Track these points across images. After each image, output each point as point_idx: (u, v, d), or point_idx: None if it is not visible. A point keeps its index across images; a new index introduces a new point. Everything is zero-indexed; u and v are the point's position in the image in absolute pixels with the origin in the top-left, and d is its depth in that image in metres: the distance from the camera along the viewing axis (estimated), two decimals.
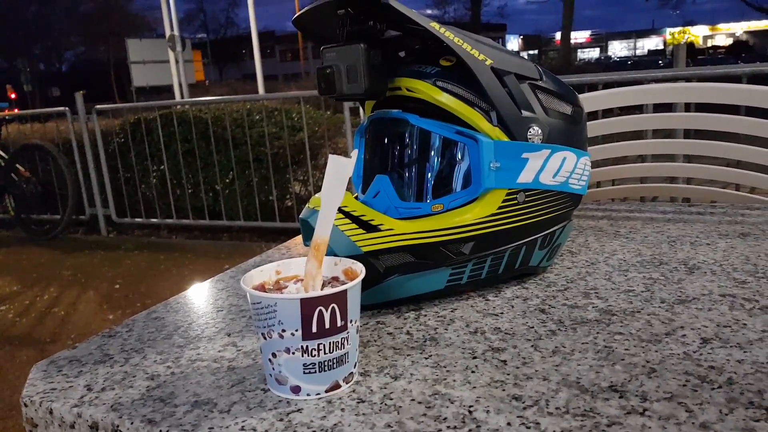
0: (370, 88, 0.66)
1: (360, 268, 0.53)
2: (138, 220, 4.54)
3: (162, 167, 4.34)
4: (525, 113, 0.66)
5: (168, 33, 8.33)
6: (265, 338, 0.49)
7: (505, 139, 0.65)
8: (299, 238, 1.00)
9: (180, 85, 8.67)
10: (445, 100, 0.65)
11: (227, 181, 4.18)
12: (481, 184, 0.65)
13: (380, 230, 0.64)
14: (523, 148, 0.66)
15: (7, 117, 4.97)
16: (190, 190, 4.32)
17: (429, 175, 0.69)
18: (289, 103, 4.39)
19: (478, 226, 0.65)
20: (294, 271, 0.56)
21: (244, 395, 0.50)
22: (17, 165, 4.57)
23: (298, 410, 0.47)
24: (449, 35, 0.63)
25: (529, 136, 0.66)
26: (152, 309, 0.73)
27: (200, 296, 0.77)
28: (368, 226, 0.64)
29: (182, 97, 8.21)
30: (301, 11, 0.71)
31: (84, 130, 4.58)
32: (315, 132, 4.05)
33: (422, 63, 0.68)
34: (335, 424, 0.45)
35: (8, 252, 4.47)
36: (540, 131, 0.66)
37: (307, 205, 0.68)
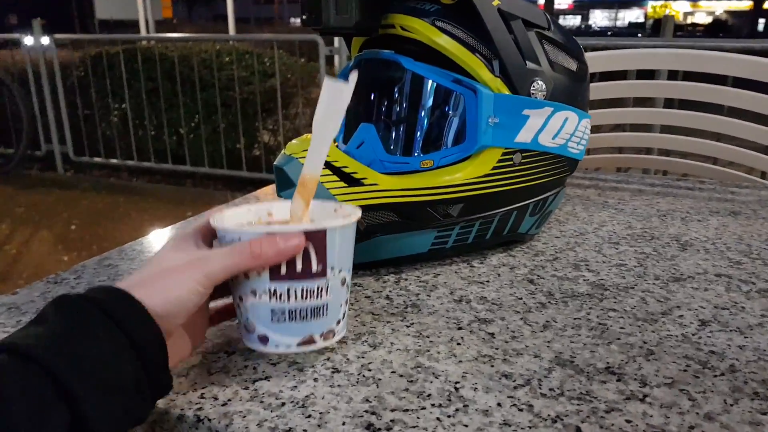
0: (361, 22, 0.59)
1: (351, 211, 0.46)
2: (97, 159, 4.33)
3: (124, 106, 4.12)
4: (530, 65, 0.60)
5: None
6: (231, 279, 0.42)
7: (506, 91, 0.59)
8: (270, 188, 0.93)
9: (146, 20, 8.24)
10: (444, 42, 0.59)
11: (192, 125, 4.01)
12: (476, 140, 0.59)
13: (363, 185, 0.58)
14: (525, 104, 0.60)
15: None
16: (152, 132, 4.12)
17: (420, 127, 0.63)
18: (262, 47, 4.18)
19: (469, 187, 0.60)
20: (276, 213, 0.48)
21: (205, 358, 0.45)
22: None
23: (266, 378, 0.42)
24: None
25: (532, 91, 0.60)
26: (105, 255, 0.66)
27: (159, 244, 0.70)
28: (350, 179, 0.58)
29: (148, 32, 7.80)
30: None
31: (41, 61, 4.29)
32: (288, 79, 3.89)
33: None
34: (307, 396, 0.40)
35: None
36: (544, 86, 0.61)
37: (282, 152, 0.61)
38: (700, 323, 0.50)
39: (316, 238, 0.41)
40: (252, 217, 0.47)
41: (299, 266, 0.41)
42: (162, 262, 0.41)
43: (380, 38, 0.63)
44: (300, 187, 0.44)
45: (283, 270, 0.41)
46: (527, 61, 0.60)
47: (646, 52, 1.19)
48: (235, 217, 0.46)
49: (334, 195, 0.57)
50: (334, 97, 0.43)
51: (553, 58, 0.62)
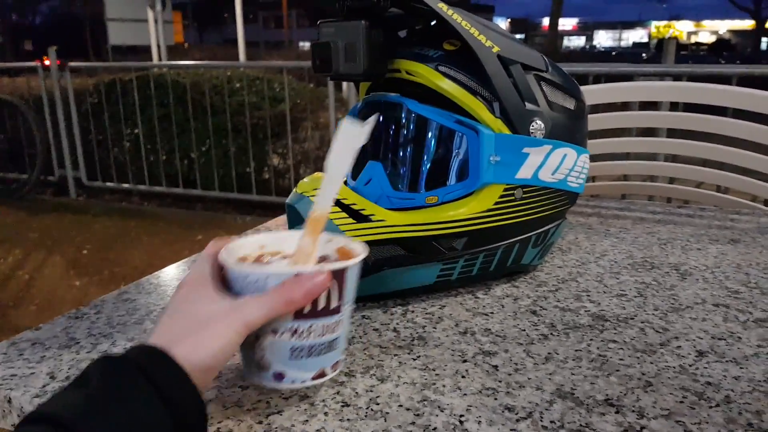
0: (369, 69, 0.62)
1: (359, 248, 0.47)
2: (109, 184, 4.40)
3: (136, 131, 4.20)
4: (529, 106, 0.63)
5: None
6: None
7: (507, 131, 0.62)
8: (281, 219, 0.96)
9: (158, 46, 8.40)
10: (447, 86, 0.62)
11: (203, 149, 4.07)
12: (478, 177, 0.62)
13: (371, 221, 0.60)
14: (525, 143, 0.63)
15: None
16: (164, 157, 4.19)
17: (424, 165, 0.66)
18: (271, 72, 4.26)
19: (472, 222, 0.62)
20: (281, 248, 0.49)
21: (221, 392, 0.47)
22: None
23: (279, 412, 0.45)
24: (457, 18, 0.60)
25: (531, 130, 0.63)
26: (123, 289, 0.69)
27: (174, 278, 0.73)
28: (358, 216, 0.60)
29: (160, 58, 7.96)
30: None
31: (56, 88, 4.39)
32: (297, 104, 3.96)
33: (424, 45, 0.65)
34: (318, 430, 0.42)
35: None
36: (542, 125, 0.64)
37: (294, 190, 0.64)
38: (698, 354, 0.52)
39: (338, 276, 0.42)
40: (246, 251, 0.48)
41: (322, 304, 0.42)
42: (196, 314, 0.41)
43: (387, 81, 0.67)
44: (309, 223, 0.46)
45: (307, 308, 0.42)
46: (526, 102, 0.62)
47: (648, 85, 1.22)
48: (232, 252, 0.46)
49: (344, 231, 0.59)
50: (350, 138, 0.45)
51: (551, 99, 0.65)
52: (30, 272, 3.08)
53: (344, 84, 3.62)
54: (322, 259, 0.49)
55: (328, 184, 0.46)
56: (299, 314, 0.42)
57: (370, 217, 0.60)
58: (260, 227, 0.93)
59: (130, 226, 3.83)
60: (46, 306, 2.66)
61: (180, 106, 4.03)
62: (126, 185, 4.34)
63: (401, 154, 0.67)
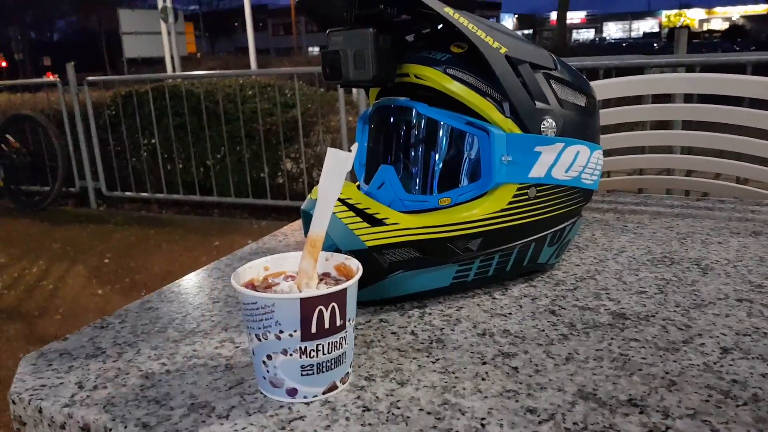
0: (378, 76, 0.63)
1: (355, 265, 0.50)
2: (128, 193, 4.47)
3: (153, 141, 4.26)
4: (539, 104, 0.63)
5: (160, 4, 8.13)
6: (259, 340, 0.46)
7: (518, 131, 0.62)
8: (297, 224, 0.97)
9: (172, 57, 8.51)
10: (456, 89, 0.62)
11: (218, 156, 4.12)
12: (491, 178, 0.62)
13: (385, 224, 0.61)
14: (536, 141, 0.63)
15: None
16: (180, 165, 4.25)
17: (437, 167, 0.66)
18: (282, 79, 4.30)
19: (486, 222, 0.62)
20: (283, 267, 0.53)
21: (244, 399, 0.48)
22: (7, 135, 4.48)
23: (301, 417, 0.45)
24: (463, 21, 0.60)
25: (542, 129, 0.63)
26: (146, 298, 0.70)
27: (195, 286, 0.74)
28: (373, 220, 0.61)
29: (174, 69, 8.06)
30: None
31: (75, 102, 4.48)
32: (308, 109, 3.98)
33: (432, 49, 0.65)
34: None
35: None
36: (554, 124, 0.63)
37: (309, 196, 0.65)
38: (722, 351, 0.52)
39: (340, 297, 0.45)
40: (253, 274, 0.52)
41: (327, 324, 0.45)
42: None
43: (396, 86, 0.67)
44: (309, 246, 0.49)
45: (314, 329, 0.45)
46: (536, 101, 0.62)
47: (660, 78, 1.21)
48: (240, 277, 0.50)
49: (359, 235, 0.60)
50: (337, 165, 0.49)
51: (561, 96, 0.65)
52: (54, 282, 3.15)
53: (353, 91, 3.63)
54: (324, 275, 0.52)
55: (321, 208, 0.49)
56: (307, 335, 0.45)
57: (385, 220, 0.61)
58: (277, 233, 0.94)
59: (150, 234, 3.89)
60: (70, 315, 2.71)
61: (194, 115, 4.08)
62: (144, 194, 4.40)
63: (413, 157, 0.67)
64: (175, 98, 4.11)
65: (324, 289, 0.46)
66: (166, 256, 3.42)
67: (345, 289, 0.46)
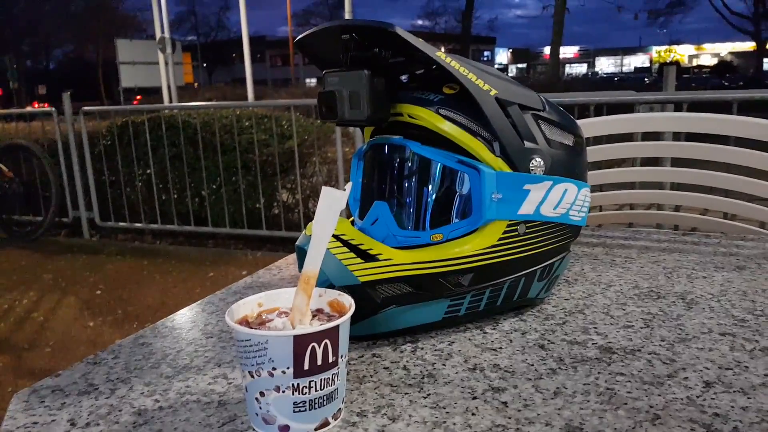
0: (372, 116, 0.65)
1: (348, 302, 0.51)
2: (122, 224, 4.47)
3: (148, 171, 4.28)
4: (528, 144, 0.65)
5: (158, 35, 8.26)
6: (252, 376, 0.47)
7: (507, 169, 0.64)
8: (291, 258, 0.98)
9: (169, 87, 8.61)
10: (448, 128, 0.64)
11: (214, 187, 4.14)
12: (482, 215, 0.64)
13: (378, 260, 0.62)
14: (525, 180, 0.65)
15: None
16: (175, 196, 4.26)
17: (429, 204, 0.68)
18: (279, 110, 4.36)
19: (477, 258, 0.64)
20: (277, 303, 0.54)
21: None
22: (0, 165, 4.48)
23: None
24: (455, 65, 0.62)
25: (531, 168, 0.65)
26: (139, 333, 0.71)
27: (189, 320, 0.75)
28: (366, 255, 0.62)
29: (171, 99, 8.14)
30: (305, 33, 0.69)
31: (70, 132, 4.50)
32: (305, 140, 4.03)
33: (425, 90, 0.68)
34: None
35: None
36: (542, 162, 0.66)
37: (304, 232, 0.66)
38: (705, 385, 0.53)
39: (332, 333, 0.46)
40: (247, 311, 0.52)
41: (320, 360, 0.46)
42: None
43: (390, 124, 0.69)
44: (302, 283, 0.50)
45: (307, 366, 0.46)
46: (525, 141, 0.65)
47: (649, 116, 1.25)
48: (234, 313, 0.50)
49: (352, 270, 0.61)
50: (331, 203, 0.51)
51: (549, 136, 0.67)
52: (44, 314, 3.11)
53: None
54: (318, 311, 0.53)
55: (315, 245, 0.51)
56: (300, 372, 0.46)
57: (378, 256, 0.62)
58: (272, 266, 0.95)
59: (143, 265, 3.87)
60: (60, 347, 2.67)
61: (191, 145, 4.12)
62: (138, 224, 4.40)
63: (406, 194, 0.69)
64: (171, 128, 4.15)
65: (317, 326, 0.47)
66: (160, 288, 3.40)
67: (338, 326, 0.47)
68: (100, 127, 4.53)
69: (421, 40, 0.62)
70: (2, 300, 3.34)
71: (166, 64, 8.28)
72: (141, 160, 4.30)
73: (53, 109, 4.58)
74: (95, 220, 4.55)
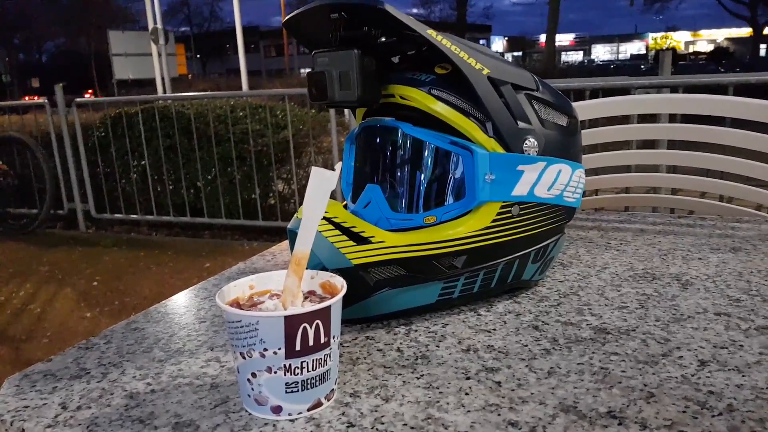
0: (363, 96, 0.64)
1: (340, 282, 0.51)
2: (117, 215, 4.45)
3: (143, 162, 4.26)
4: (521, 124, 0.64)
5: (151, 26, 8.18)
6: (244, 357, 0.47)
7: (501, 150, 0.63)
8: (284, 244, 0.98)
9: (162, 78, 8.54)
10: (440, 109, 0.63)
11: (209, 178, 4.12)
12: (475, 196, 0.63)
13: (371, 242, 0.62)
14: (519, 160, 0.64)
15: None
16: (171, 187, 4.24)
17: (422, 186, 0.67)
18: (274, 100, 4.33)
19: (471, 240, 0.63)
20: (268, 286, 0.53)
21: (228, 417, 0.48)
22: None
23: None
24: (446, 43, 0.61)
25: (524, 148, 0.64)
26: (132, 319, 0.70)
27: (182, 306, 0.74)
28: (358, 238, 0.62)
29: (164, 90, 8.09)
30: (293, 13, 0.68)
31: (63, 124, 4.47)
32: (299, 130, 4.01)
33: (417, 70, 0.67)
34: None
35: None
36: (536, 143, 0.65)
37: (295, 215, 0.66)
38: (700, 363, 0.53)
39: (324, 314, 0.46)
40: (238, 293, 0.52)
41: (311, 341, 0.46)
42: None
43: (382, 106, 0.68)
44: (293, 264, 0.50)
45: (298, 346, 0.45)
46: (518, 121, 0.64)
47: (645, 98, 1.24)
48: (225, 295, 0.50)
49: (345, 253, 0.61)
50: (321, 183, 0.50)
51: (543, 116, 0.66)
52: (41, 305, 3.11)
53: (346, 113, 3.66)
54: (309, 293, 0.53)
55: (306, 226, 0.50)
56: (291, 352, 0.45)
57: (370, 239, 0.62)
58: (265, 252, 0.95)
59: (140, 257, 3.86)
60: (57, 338, 2.67)
61: (185, 136, 4.09)
62: (134, 216, 4.38)
63: (398, 176, 0.69)
64: (165, 119, 4.13)
65: (308, 307, 0.47)
66: (156, 279, 3.39)
67: (329, 307, 0.47)
68: (94, 118, 4.50)
69: (411, 18, 0.61)
70: (0, 293, 3.33)
71: (159, 55, 8.20)
72: (135, 151, 4.28)
73: (46, 100, 4.53)
74: (90, 212, 4.53)
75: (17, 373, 0.58)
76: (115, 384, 0.54)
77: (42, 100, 4.61)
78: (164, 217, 4.27)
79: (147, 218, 4.35)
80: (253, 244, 3.95)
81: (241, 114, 4.05)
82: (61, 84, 4.50)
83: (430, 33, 0.61)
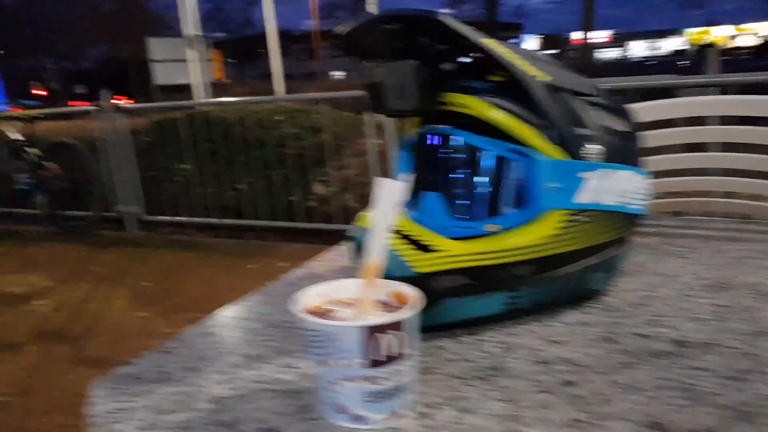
0: (420, 106, 0.65)
1: (414, 292, 0.51)
2: (164, 218, 4.57)
3: (187, 166, 4.37)
4: (581, 131, 0.64)
5: (188, 32, 8.37)
6: (322, 366, 0.48)
7: (561, 157, 0.63)
8: (339, 249, 0.99)
9: (200, 83, 8.72)
10: (498, 116, 0.63)
11: (250, 180, 4.20)
12: (537, 204, 0.63)
13: (435, 251, 0.62)
14: (580, 167, 0.63)
15: (38, 115, 5.03)
16: (214, 189, 4.34)
17: (482, 194, 0.67)
18: (310, 103, 4.39)
19: (535, 249, 0.63)
20: (339, 294, 0.54)
21: (310, 424, 0.49)
22: (48, 163, 4.64)
23: None
24: (503, 52, 0.61)
25: (585, 155, 0.64)
26: (202, 323, 0.73)
27: (248, 311, 0.76)
28: (421, 246, 0.62)
29: (202, 95, 8.27)
30: (346, 25, 0.69)
31: (111, 128, 4.62)
32: (337, 133, 4.04)
33: (472, 78, 0.67)
34: None
35: (41, 247, 4.55)
36: (596, 149, 0.64)
37: (355, 222, 0.67)
38: None
39: (402, 325, 0.47)
40: (313, 301, 0.52)
41: (390, 351, 0.46)
42: None
43: (437, 114, 0.68)
44: (366, 274, 0.51)
45: (377, 356, 0.46)
46: (578, 128, 0.63)
47: (696, 101, 1.21)
48: (296, 303, 0.50)
49: (408, 262, 0.61)
50: (390, 193, 0.51)
51: (602, 122, 0.66)
52: (97, 304, 3.22)
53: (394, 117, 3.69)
54: (381, 303, 0.53)
55: (377, 238, 0.51)
56: (370, 362, 0.46)
57: (433, 247, 0.62)
58: (319, 257, 0.95)
59: (186, 258, 3.96)
60: (114, 336, 2.76)
61: (226, 140, 4.18)
62: (179, 218, 4.50)
63: (458, 184, 0.68)
64: (207, 124, 4.22)
65: (387, 317, 0.47)
66: (203, 279, 3.47)
67: (408, 317, 0.47)
68: (140, 124, 4.64)
69: (468, 27, 0.61)
70: (57, 291, 3.47)
71: (197, 61, 8.38)
72: (179, 155, 4.39)
73: (96, 106, 4.69)
74: (139, 215, 4.67)
75: (105, 375, 0.60)
76: (197, 388, 0.56)
77: (90, 106, 4.77)
78: (208, 219, 4.37)
79: (192, 220, 4.46)
80: (294, 245, 4.00)
81: (279, 118, 4.11)
82: (107, 91, 4.66)
83: (487, 42, 0.61)
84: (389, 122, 3.63)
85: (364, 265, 0.51)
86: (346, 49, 0.69)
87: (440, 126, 0.68)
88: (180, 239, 4.48)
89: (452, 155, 0.68)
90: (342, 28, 0.66)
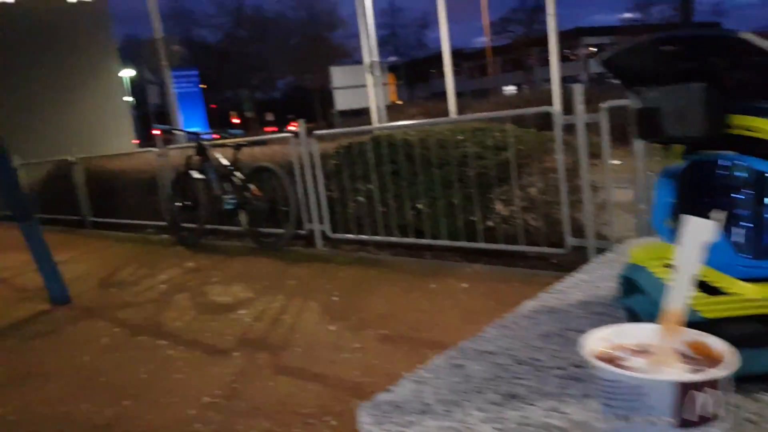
0: (706, 132, 0.59)
1: (722, 346, 0.45)
2: (348, 235, 4.89)
3: (370, 186, 4.63)
4: None
5: (366, 60, 8.92)
6: (622, 421, 0.44)
7: None
8: (572, 281, 0.94)
9: (378, 107, 9.22)
10: None
11: (430, 200, 4.30)
12: None
13: (724, 293, 0.55)
14: None
15: (242, 143, 5.74)
16: (394, 209, 4.53)
17: None
18: (488, 121, 4.37)
19: None
20: (622, 340, 0.49)
21: None
22: (250, 184, 5.26)
23: None
24: None
25: None
26: (449, 354, 0.73)
27: (491, 344, 0.75)
28: (706, 288, 0.56)
29: (380, 117, 8.73)
30: (615, 50, 0.65)
31: (305, 153, 5.09)
32: (520, 151, 3.96)
33: (762, 97, 0.58)
34: None
35: (243, 261, 5.16)
36: None
37: (628, 260, 0.62)
38: None
39: (717, 383, 0.42)
40: (600, 345, 0.48)
41: (704, 412, 0.41)
42: None
43: (718, 138, 0.61)
44: (667, 322, 0.46)
45: (691, 416, 0.41)
46: None
47: None
48: (585, 347, 0.47)
49: (694, 305, 0.55)
50: (698, 234, 0.46)
51: None
52: (291, 316, 3.54)
53: (576, 126, 3.52)
54: (681, 356, 0.47)
55: (680, 281, 0.46)
56: (682, 422, 0.42)
57: (722, 289, 0.55)
58: (551, 289, 0.92)
59: (370, 275, 4.18)
60: (308, 349, 2.99)
61: (408, 161, 4.34)
62: (363, 236, 4.77)
63: (749, 217, 0.60)
64: (390, 146, 4.43)
65: (704, 374, 0.43)
66: (387, 296, 3.62)
67: (728, 376, 0.42)
68: (327, 148, 5.05)
69: None
70: (257, 302, 3.89)
71: (374, 85, 8.89)
72: (364, 176, 4.67)
73: (295, 133, 5.21)
74: (326, 232, 5.06)
75: (368, 401, 0.64)
76: (464, 425, 0.56)
77: (288, 134, 5.32)
78: (389, 238, 4.57)
79: (375, 238, 4.70)
80: (473, 266, 3.99)
81: (460, 138, 4.15)
82: (303, 119, 5.15)
83: None
84: (582, 140, 3.46)
85: (664, 312, 0.47)
86: (611, 72, 0.66)
87: (724, 152, 0.61)
88: (362, 256, 4.74)
89: (739, 184, 0.61)
90: (606, 54, 0.63)
